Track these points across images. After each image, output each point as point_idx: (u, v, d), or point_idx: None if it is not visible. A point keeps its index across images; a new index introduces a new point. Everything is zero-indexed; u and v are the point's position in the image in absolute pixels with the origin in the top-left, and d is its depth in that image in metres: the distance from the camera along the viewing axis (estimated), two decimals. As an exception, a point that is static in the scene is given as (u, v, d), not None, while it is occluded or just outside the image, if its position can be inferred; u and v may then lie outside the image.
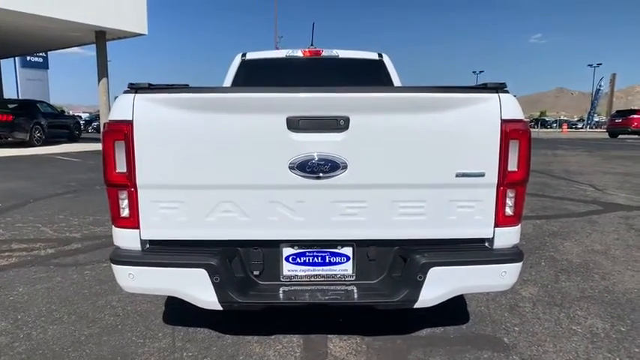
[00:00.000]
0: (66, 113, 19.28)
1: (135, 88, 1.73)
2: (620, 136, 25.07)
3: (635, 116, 24.70)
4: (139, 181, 1.74)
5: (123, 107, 1.72)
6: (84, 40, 16.36)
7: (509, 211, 1.81)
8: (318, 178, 1.72)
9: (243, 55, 3.92)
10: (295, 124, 1.69)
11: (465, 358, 1.99)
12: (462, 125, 1.73)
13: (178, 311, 2.37)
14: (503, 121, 1.72)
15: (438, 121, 1.73)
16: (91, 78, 16.05)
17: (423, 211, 1.79)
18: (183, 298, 1.81)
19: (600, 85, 37.29)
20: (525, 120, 1.81)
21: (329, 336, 2.17)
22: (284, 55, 3.91)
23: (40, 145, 14.56)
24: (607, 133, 26.88)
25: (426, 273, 1.74)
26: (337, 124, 1.70)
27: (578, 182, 7.39)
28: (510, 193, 1.80)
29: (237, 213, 1.77)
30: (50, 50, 21.53)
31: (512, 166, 1.76)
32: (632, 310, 2.51)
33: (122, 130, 1.71)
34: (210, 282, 1.73)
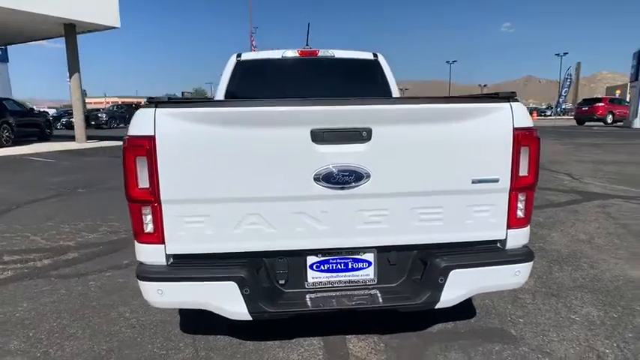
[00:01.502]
0: (35, 110, 18.33)
1: (155, 102, 1.72)
2: (586, 124, 26.24)
3: (600, 104, 25.94)
4: (163, 196, 1.74)
5: (144, 122, 1.70)
6: (52, 33, 15.60)
7: (520, 213, 1.92)
8: (343, 188, 1.77)
9: (239, 55, 3.88)
10: (320, 137, 1.73)
11: (478, 351, 2.11)
12: (478, 133, 1.82)
13: (194, 320, 2.38)
14: (516, 129, 1.82)
15: (455, 130, 1.80)
16: (56, 71, 15.46)
17: (441, 216, 1.87)
18: (212, 310, 1.83)
19: (569, 75, 38.99)
20: (535, 127, 1.91)
21: (347, 336, 2.24)
22: (280, 56, 3.89)
23: (9, 146, 13.89)
24: (574, 121, 28.06)
25: (447, 275, 1.84)
26: (360, 136, 1.75)
27: (555, 171, 7.74)
28: (521, 197, 1.91)
29: (264, 225, 1.80)
30: (15, 44, 20.36)
31: (524, 171, 1.87)
32: (620, 297, 2.70)
33: (144, 146, 1.69)
34: (241, 294, 1.76)
